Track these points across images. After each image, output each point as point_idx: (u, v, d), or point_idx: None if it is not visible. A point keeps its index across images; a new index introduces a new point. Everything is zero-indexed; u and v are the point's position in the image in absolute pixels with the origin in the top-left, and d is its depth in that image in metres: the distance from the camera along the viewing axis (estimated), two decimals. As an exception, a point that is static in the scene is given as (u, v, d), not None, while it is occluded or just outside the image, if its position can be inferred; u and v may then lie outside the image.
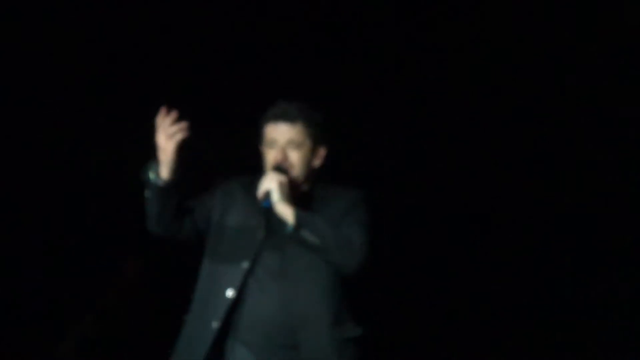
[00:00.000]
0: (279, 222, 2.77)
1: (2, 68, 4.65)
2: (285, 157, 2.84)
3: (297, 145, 2.85)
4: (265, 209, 2.76)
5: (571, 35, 4.52)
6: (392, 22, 4.66)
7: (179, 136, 2.75)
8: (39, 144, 4.82)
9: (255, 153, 2.93)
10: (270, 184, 2.77)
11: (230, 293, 2.79)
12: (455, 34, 4.62)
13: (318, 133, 2.89)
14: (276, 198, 2.75)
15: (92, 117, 4.80)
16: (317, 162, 2.91)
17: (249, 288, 2.81)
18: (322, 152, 2.91)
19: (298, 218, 2.73)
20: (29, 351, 4.70)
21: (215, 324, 2.79)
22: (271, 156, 2.86)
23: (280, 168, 2.82)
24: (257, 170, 2.90)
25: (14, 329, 4.72)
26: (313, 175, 2.92)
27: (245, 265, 2.81)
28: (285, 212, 2.75)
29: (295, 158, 2.85)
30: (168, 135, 2.75)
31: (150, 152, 2.83)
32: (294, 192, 2.82)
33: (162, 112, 2.76)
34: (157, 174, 2.77)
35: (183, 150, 2.80)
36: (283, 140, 2.85)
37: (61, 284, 4.78)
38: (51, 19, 4.67)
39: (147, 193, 2.82)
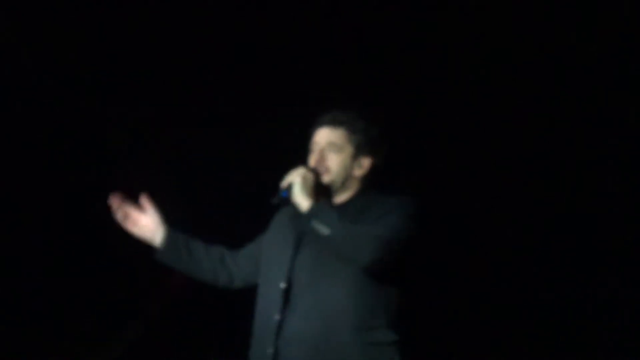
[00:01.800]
0: (309, 237, 2.80)
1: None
2: (322, 159, 2.89)
3: (337, 148, 2.90)
4: (283, 198, 2.81)
5: (571, 35, 4.50)
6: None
7: (129, 215, 2.96)
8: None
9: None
10: (294, 177, 2.81)
11: (276, 317, 2.83)
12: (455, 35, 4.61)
13: (363, 141, 2.91)
14: (296, 190, 2.78)
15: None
16: (359, 171, 2.93)
17: (289, 307, 2.83)
18: (366, 162, 2.93)
19: (311, 208, 2.75)
20: (72, 356, 4.75)
21: (270, 350, 2.82)
22: (311, 160, 2.91)
23: (314, 170, 2.86)
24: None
25: (59, 334, 4.77)
26: (354, 184, 2.94)
27: (282, 285, 2.85)
28: (303, 203, 2.77)
29: (333, 161, 2.89)
30: (128, 221, 2.98)
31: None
32: (324, 197, 2.85)
33: (113, 206, 2.95)
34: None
35: (160, 211, 2.99)
36: (323, 142, 2.90)
37: (109, 291, 4.82)
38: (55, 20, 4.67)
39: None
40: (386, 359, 2.80)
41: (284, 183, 2.82)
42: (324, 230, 2.72)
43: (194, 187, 4.77)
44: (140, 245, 4.52)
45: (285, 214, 2.97)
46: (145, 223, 3.01)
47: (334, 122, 2.91)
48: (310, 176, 2.82)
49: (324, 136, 2.91)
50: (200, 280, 3.08)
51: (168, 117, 4.78)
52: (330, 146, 2.89)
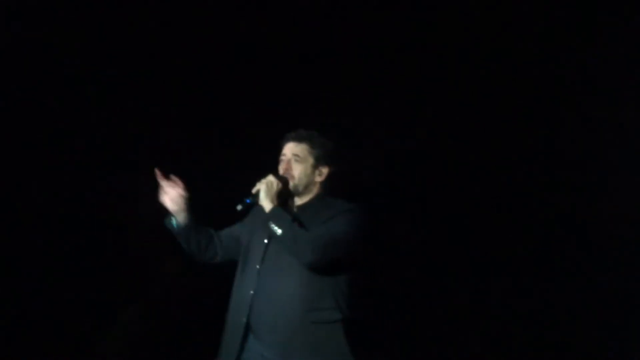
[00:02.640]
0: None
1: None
2: (289, 168, 3.55)
3: (300, 159, 3.56)
4: (246, 204, 3.46)
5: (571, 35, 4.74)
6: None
7: (178, 193, 3.48)
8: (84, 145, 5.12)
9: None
10: (260, 184, 3.46)
11: (251, 291, 3.47)
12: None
13: (321, 154, 3.57)
14: (262, 195, 3.44)
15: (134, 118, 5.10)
16: (319, 178, 3.59)
17: (259, 286, 3.46)
18: (324, 170, 3.59)
19: (269, 212, 3.43)
20: (77, 341, 5.02)
21: (243, 319, 3.46)
22: (280, 167, 3.56)
23: (281, 176, 3.51)
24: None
25: (63, 320, 5.02)
26: (315, 188, 3.59)
27: (257, 266, 3.50)
28: (266, 206, 3.45)
29: (297, 170, 3.56)
30: (170, 195, 3.48)
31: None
32: (289, 199, 3.51)
33: (159, 174, 3.48)
34: (175, 221, 3.50)
35: (190, 196, 3.48)
36: (289, 154, 3.58)
37: (108, 279, 5.09)
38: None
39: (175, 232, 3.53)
40: (330, 335, 3.42)
41: (254, 189, 3.47)
42: (277, 230, 3.41)
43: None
44: (140, 236, 4.87)
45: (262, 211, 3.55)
46: (174, 196, 3.53)
47: (298, 138, 3.58)
48: (275, 183, 3.47)
49: (290, 149, 3.58)
50: (190, 252, 3.64)
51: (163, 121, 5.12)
52: (294, 157, 3.56)
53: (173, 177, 3.50)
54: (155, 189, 3.53)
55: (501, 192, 4.97)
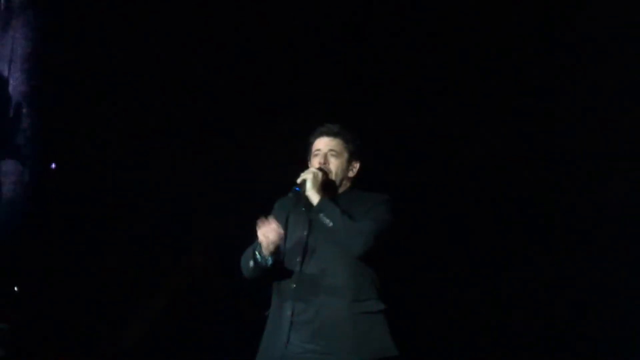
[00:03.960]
0: (319, 223, 3.45)
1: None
2: (327, 161, 3.58)
3: (336, 154, 3.60)
4: (296, 192, 3.49)
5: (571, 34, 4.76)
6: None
7: (275, 238, 3.41)
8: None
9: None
10: (307, 175, 3.49)
11: (293, 285, 3.50)
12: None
13: (354, 149, 3.62)
14: (308, 185, 3.46)
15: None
16: (351, 173, 3.63)
17: (302, 276, 3.48)
18: (356, 165, 3.64)
19: (320, 203, 3.45)
20: (104, 327, 5.15)
21: (288, 313, 3.48)
22: (315, 161, 3.59)
23: (322, 168, 3.54)
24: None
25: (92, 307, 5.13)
26: (348, 182, 3.63)
27: (298, 258, 3.52)
28: (313, 197, 3.47)
29: (334, 164, 3.59)
30: (268, 238, 3.41)
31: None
32: (329, 191, 3.52)
33: (261, 220, 3.44)
34: (262, 255, 3.45)
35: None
36: (326, 149, 3.60)
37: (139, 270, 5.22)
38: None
39: (253, 264, 3.48)
40: (375, 325, 3.46)
41: (299, 179, 3.49)
42: (328, 222, 3.43)
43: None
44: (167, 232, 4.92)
45: (286, 200, 3.58)
46: (274, 240, 3.46)
47: (332, 133, 3.62)
48: (320, 174, 3.50)
49: (325, 144, 3.62)
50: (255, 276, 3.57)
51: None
52: (331, 152, 3.60)
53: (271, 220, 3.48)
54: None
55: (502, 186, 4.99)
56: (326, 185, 3.51)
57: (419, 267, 4.94)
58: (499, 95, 4.94)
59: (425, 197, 4.98)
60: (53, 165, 5.33)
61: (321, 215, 3.44)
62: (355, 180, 3.65)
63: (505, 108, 4.94)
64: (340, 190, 3.62)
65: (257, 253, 3.46)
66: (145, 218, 5.28)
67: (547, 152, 4.92)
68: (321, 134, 3.64)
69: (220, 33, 5.20)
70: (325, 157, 3.59)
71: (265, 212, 3.63)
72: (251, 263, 3.49)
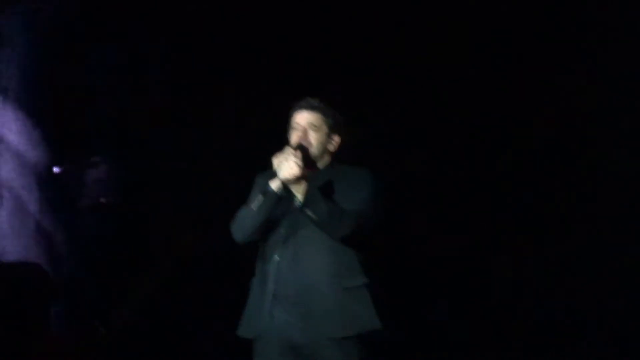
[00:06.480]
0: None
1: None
2: (305, 136, 3.56)
3: (316, 128, 3.57)
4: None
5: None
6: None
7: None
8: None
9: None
10: (277, 161, 3.41)
11: (277, 257, 3.51)
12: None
13: (333, 123, 3.60)
14: (287, 182, 3.39)
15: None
16: (331, 146, 3.62)
17: (285, 251, 3.49)
18: (336, 139, 3.62)
19: (305, 200, 3.41)
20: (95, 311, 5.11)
21: (272, 286, 3.48)
22: (294, 136, 3.57)
23: (301, 145, 3.51)
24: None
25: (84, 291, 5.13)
26: (328, 156, 3.62)
27: (282, 231, 3.52)
28: (297, 190, 3.43)
29: (313, 138, 3.57)
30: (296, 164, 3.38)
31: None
32: (309, 167, 3.49)
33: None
34: (277, 186, 3.43)
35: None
36: (305, 123, 3.58)
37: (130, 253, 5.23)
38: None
39: (262, 203, 3.44)
40: (358, 299, 3.47)
41: (274, 164, 3.42)
42: (314, 217, 3.41)
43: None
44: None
45: (268, 175, 3.53)
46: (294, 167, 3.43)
47: (311, 107, 3.59)
48: (295, 168, 3.37)
49: (305, 118, 3.59)
50: (257, 235, 3.55)
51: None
52: (310, 126, 3.58)
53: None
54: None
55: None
56: (306, 162, 3.48)
57: (403, 245, 4.97)
58: (492, 86, 4.95)
59: (415, 180, 5.01)
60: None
61: (306, 210, 3.42)
62: (335, 155, 3.65)
63: (499, 101, 4.95)
64: (320, 164, 3.61)
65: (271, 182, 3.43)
66: (133, 198, 5.33)
67: (544, 148, 4.96)
68: (300, 108, 3.62)
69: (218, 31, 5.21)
70: (305, 131, 3.57)
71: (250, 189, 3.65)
72: (258, 205, 3.43)
